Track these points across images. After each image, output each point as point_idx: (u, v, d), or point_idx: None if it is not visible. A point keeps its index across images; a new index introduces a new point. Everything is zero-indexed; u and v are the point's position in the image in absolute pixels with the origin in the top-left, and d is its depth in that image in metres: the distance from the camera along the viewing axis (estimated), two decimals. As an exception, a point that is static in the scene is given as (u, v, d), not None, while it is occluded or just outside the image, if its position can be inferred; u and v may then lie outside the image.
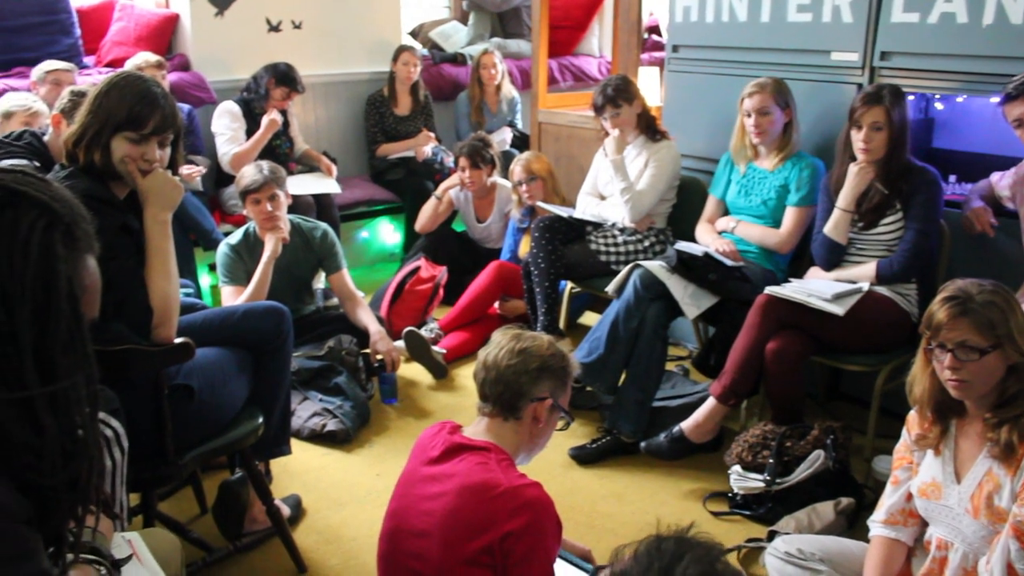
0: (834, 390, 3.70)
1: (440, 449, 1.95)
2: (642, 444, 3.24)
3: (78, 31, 5.01)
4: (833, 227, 3.14)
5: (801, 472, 2.85)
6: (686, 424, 3.19)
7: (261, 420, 2.55)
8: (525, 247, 4.33)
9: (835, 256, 3.17)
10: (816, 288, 3.00)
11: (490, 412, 1.99)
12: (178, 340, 2.22)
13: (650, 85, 4.99)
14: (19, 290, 1.05)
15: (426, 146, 5.45)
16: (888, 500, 2.14)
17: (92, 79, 4.55)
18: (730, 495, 3.00)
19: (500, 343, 2.01)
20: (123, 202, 2.29)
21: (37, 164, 3.01)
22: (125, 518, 2.06)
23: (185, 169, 4.17)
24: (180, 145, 2.35)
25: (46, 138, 3.17)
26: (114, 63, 5.00)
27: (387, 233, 5.74)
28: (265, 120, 4.70)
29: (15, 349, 1.05)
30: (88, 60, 5.08)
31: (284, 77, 4.77)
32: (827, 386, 3.68)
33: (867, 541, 2.18)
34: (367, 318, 3.73)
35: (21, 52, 4.71)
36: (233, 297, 3.51)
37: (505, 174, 4.66)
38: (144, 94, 2.20)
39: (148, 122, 2.20)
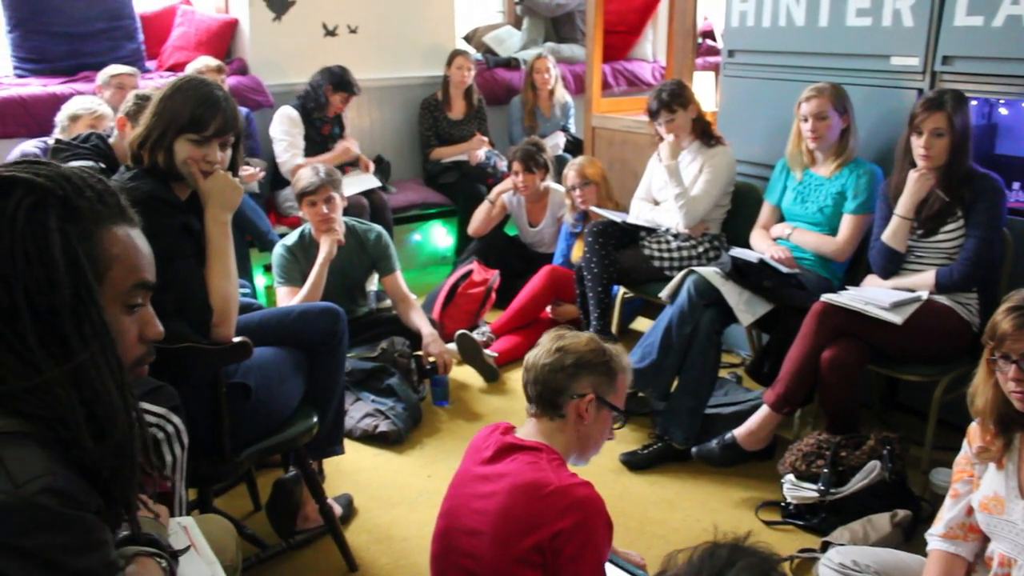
0: (890, 400, 3.63)
1: (492, 449, 1.96)
2: (693, 450, 3.22)
3: (141, 36, 5.13)
4: (892, 234, 3.08)
5: (856, 483, 2.80)
6: (739, 431, 3.16)
7: (315, 420, 2.58)
8: (578, 252, 4.33)
9: (893, 264, 3.12)
10: (873, 296, 2.96)
11: (536, 413, 2.01)
12: (236, 339, 2.26)
13: (705, 90, 4.96)
14: (11, 267, 1.06)
15: (479, 150, 5.49)
16: (947, 513, 2.09)
17: (154, 83, 4.65)
18: (783, 504, 2.96)
19: (542, 343, 2.04)
20: (185, 203, 2.33)
21: (103, 165, 3.09)
22: (183, 513, 2.10)
23: (243, 171, 4.24)
24: (240, 147, 2.39)
25: (111, 140, 3.25)
26: (175, 67, 5.11)
27: (439, 236, 5.77)
28: (339, 147, 4.86)
29: (19, 327, 1.06)
30: (150, 64, 5.20)
31: (341, 82, 4.83)
32: (883, 396, 3.62)
33: (924, 555, 2.14)
34: (420, 320, 3.75)
35: (87, 57, 4.84)
36: (288, 298, 3.56)
37: (558, 179, 4.66)
38: (207, 97, 2.24)
39: (210, 124, 2.24)
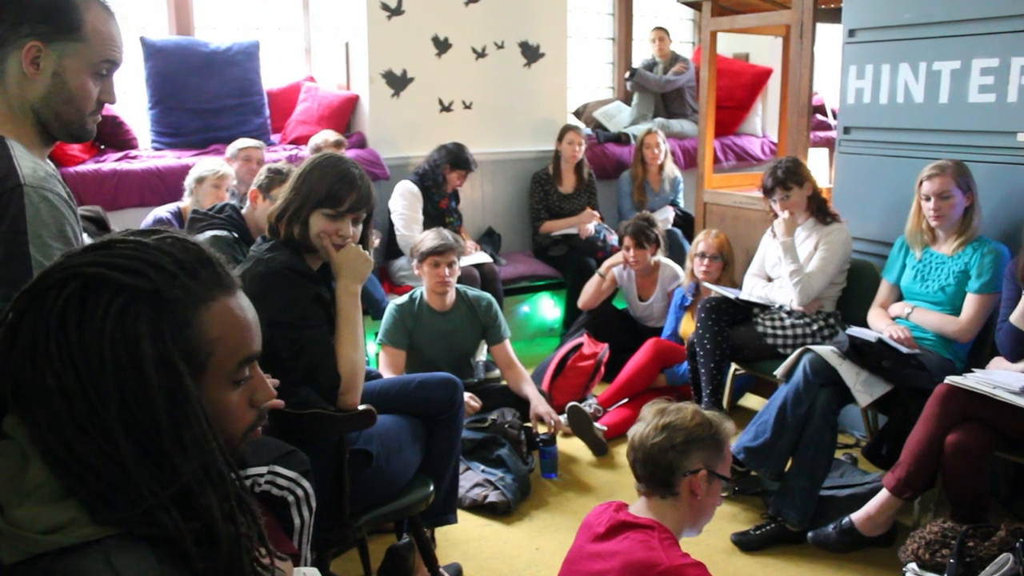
0: (1020, 488, 3.47)
1: (605, 526, 1.97)
2: (809, 535, 3.13)
3: (267, 111, 5.38)
4: (1020, 316, 2.98)
5: None
6: (857, 516, 3.07)
7: (432, 488, 2.62)
8: (686, 325, 4.32)
9: (1023, 347, 3.02)
10: (1002, 379, 2.86)
11: (647, 491, 2.01)
12: (362, 407, 2.33)
13: (818, 166, 4.93)
14: (102, 379, 0.98)
15: (589, 224, 5.55)
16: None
17: (277, 155, 4.88)
18: (905, 594, 2.86)
19: (646, 420, 2.04)
20: (316, 273, 2.44)
21: (236, 235, 3.24)
22: (308, 575, 2.15)
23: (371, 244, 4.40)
24: (371, 222, 2.49)
25: (244, 211, 3.40)
26: (298, 140, 5.33)
27: (547, 308, 5.81)
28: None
29: (117, 443, 0.98)
30: (275, 137, 5.44)
31: (458, 160, 4.98)
32: (1012, 484, 3.46)
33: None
34: (527, 387, 3.77)
35: (218, 131, 5.10)
36: (384, 357, 3.66)
37: (669, 254, 4.67)
38: (344, 175, 2.36)
39: (345, 200, 2.35)
